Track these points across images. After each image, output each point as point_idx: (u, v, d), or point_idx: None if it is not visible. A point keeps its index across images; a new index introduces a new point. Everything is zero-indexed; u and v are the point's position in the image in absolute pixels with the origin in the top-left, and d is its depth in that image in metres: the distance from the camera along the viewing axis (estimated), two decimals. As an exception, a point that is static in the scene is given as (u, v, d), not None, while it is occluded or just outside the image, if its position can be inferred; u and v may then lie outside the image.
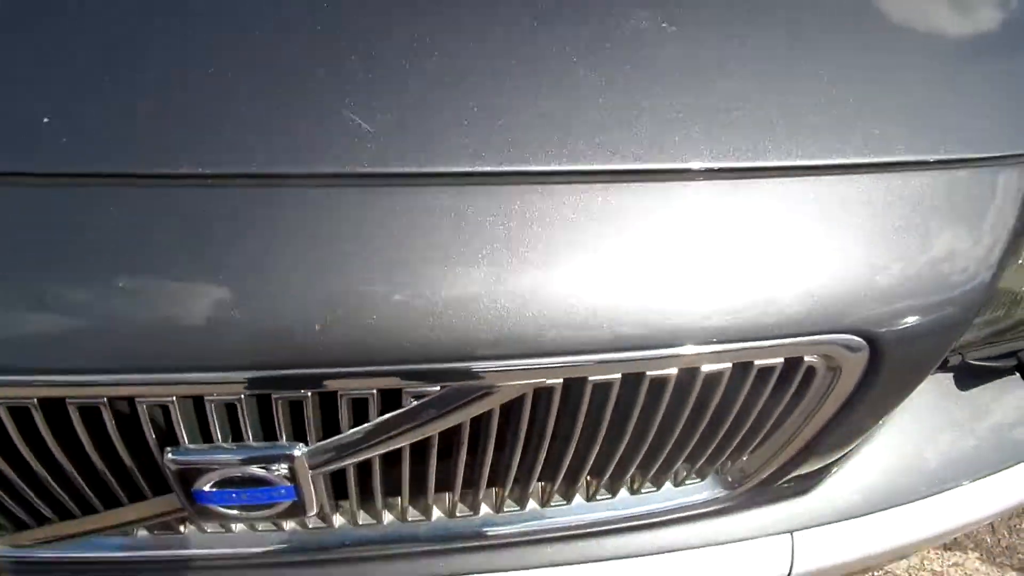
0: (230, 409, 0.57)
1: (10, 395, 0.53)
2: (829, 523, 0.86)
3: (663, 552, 0.80)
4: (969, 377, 0.95)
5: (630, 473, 0.74)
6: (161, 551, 0.71)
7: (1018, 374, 0.91)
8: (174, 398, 0.55)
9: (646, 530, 0.80)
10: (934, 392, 0.94)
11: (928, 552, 2.07)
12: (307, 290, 0.53)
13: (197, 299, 0.52)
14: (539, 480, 0.74)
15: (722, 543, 0.82)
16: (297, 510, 0.65)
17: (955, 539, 2.13)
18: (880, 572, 2.03)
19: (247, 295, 0.53)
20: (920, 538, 0.90)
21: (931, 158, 0.67)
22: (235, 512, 0.63)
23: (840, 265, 0.63)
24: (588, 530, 0.79)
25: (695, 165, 0.61)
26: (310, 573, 0.75)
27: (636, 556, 0.80)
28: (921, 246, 0.66)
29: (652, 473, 0.75)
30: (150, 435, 0.57)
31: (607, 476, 0.74)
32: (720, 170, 0.61)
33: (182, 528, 0.72)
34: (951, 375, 0.95)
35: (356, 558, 0.75)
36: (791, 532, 0.84)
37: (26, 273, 0.51)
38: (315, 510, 0.66)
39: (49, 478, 0.60)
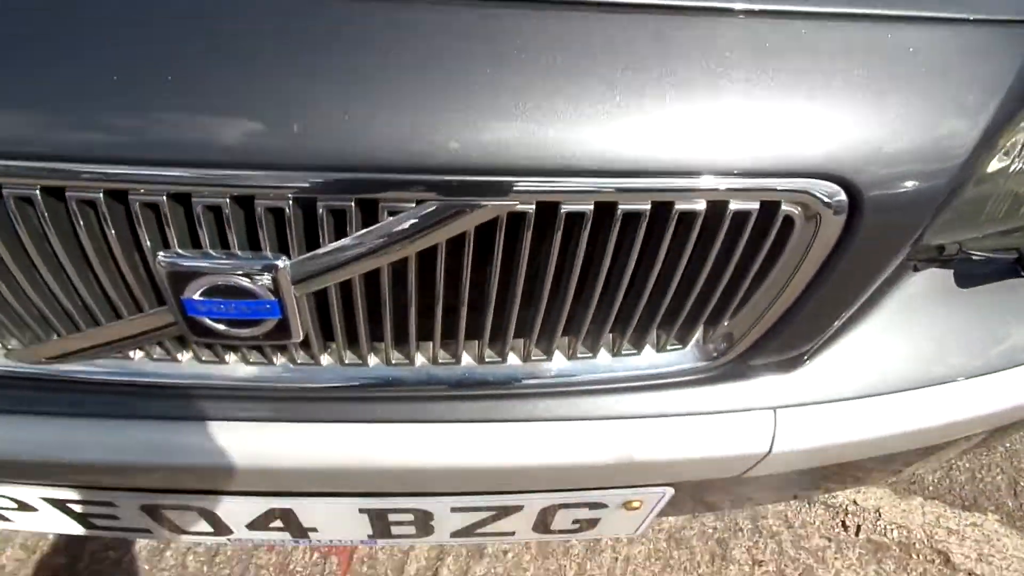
0: (217, 217, 0.61)
1: (15, 183, 0.57)
2: (815, 403, 0.86)
3: (644, 417, 0.82)
4: (969, 275, 0.94)
5: (608, 328, 0.76)
6: (159, 378, 0.76)
7: (1019, 268, 0.90)
8: (164, 196, 0.58)
9: (627, 393, 0.82)
10: (933, 287, 0.93)
11: (945, 510, 2.04)
12: (286, 92, 0.56)
13: (182, 97, 0.56)
14: (517, 337, 0.77)
15: (704, 413, 0.83)
16: (283, 332, 0.68)
17: (974, 499, 2.09)
18: (895, 526, 2.01)
19: (228, 93, 0.56)
20: (907, 430, 0.89)
21: (935, 15, 0.67)
22: (223, 327, 0.67)
23: (825, 113, 0.63)
24: (569, 389, 0.81)
25: (737, 5, 0.62)
26: (299, 409, 0.79)
27: (616, 418, 0.81)
28: (910, 103, 0.66)
29: (631, 330, 0.77)
30: (144, 237, 0.61)
31: (585, 331, 0.76)
32: (760, 12, 0.62)
33: (179, 356, 0.76)
34: (951, 272, 0.94)
35: (341, 398, 0.79)
36: (774, 408, 0.85)
37: (26, 60, 0.55)
38: (300, 336, 0.69)
39: (51, 277, 0.65)
